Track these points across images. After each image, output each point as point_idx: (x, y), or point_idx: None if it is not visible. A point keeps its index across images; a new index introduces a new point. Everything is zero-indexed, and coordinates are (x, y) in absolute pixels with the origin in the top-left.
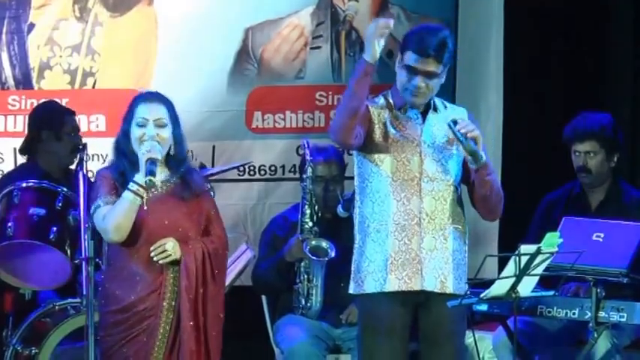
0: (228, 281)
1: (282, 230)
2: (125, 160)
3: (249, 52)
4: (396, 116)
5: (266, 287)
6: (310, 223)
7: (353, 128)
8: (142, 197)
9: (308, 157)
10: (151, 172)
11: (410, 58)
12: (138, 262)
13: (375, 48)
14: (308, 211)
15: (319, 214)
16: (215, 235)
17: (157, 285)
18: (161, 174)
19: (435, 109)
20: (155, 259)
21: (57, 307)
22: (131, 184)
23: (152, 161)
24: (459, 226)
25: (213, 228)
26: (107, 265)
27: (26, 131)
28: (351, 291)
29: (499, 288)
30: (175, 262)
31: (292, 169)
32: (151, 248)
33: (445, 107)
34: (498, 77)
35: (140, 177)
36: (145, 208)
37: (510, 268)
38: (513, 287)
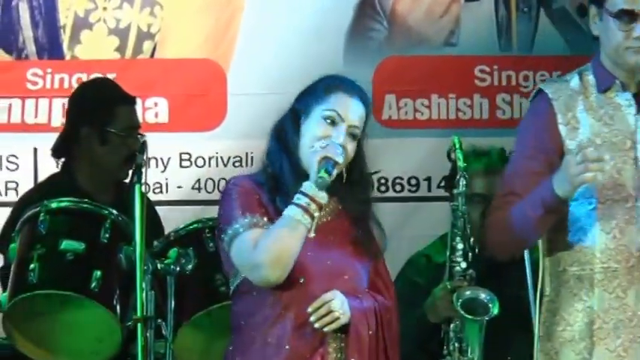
0: None
1: (423, 275)
2: (283, 164)
3: (374, 4)
4: (597, 103)
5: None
6: (463, 264)
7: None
8: (313, 217)
9: (460, 165)
10: (326, 170)
11: (618, 1)
12: (288, 325)
13: (574, 187)
14: (460, 246)
15: (476, 250)
16: (386, 289)
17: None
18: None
19: None
20: (317, 325)
21: None
22: (298, 195)
23: (329, 161)
24: None
25: (381, 278)
26: (233, 327)
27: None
28: None
29: None
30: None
31: (443, 184)
32: (310, 308)
33: None
34: None
35: (312, 186)
36: (313, 234)
37: None
38: None
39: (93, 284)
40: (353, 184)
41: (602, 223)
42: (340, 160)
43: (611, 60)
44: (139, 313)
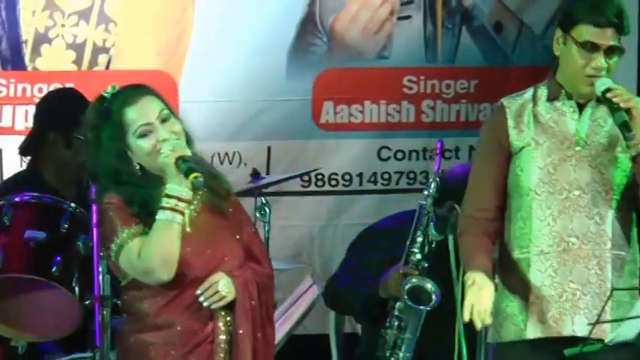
0: (287, 328)
1: (373, 251)
2: (134, 189)
3: (316, 21)
4: (545, 110)
5: (342, 309)
6: (419, 255)
7: None
8: (182, 214)
9: (437, 169)
10: (191, 169)
11: (586, 31)
12: (178, 309)
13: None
14: (419, 239)
15: (432, 246)
16: (262, 257)
17: (207, 334)
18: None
19: (599, 100)
20: (205, 304)
21: None
22: (164, 199)
23: (184, 160)
24: (623, 253)
25: (256, 248)
26: (128, 315)
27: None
28: (489, 340)
29: (629, 331)
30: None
31: (372, 179)
32: (198, 291)
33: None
34: (632, 60)
35: (175, 187)
36: (189, 229)
37: None
38: None
39: (54, 268)
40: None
41: (538, 212)
42: (189, 151)
43: (565, 77)
44: (96, 293)
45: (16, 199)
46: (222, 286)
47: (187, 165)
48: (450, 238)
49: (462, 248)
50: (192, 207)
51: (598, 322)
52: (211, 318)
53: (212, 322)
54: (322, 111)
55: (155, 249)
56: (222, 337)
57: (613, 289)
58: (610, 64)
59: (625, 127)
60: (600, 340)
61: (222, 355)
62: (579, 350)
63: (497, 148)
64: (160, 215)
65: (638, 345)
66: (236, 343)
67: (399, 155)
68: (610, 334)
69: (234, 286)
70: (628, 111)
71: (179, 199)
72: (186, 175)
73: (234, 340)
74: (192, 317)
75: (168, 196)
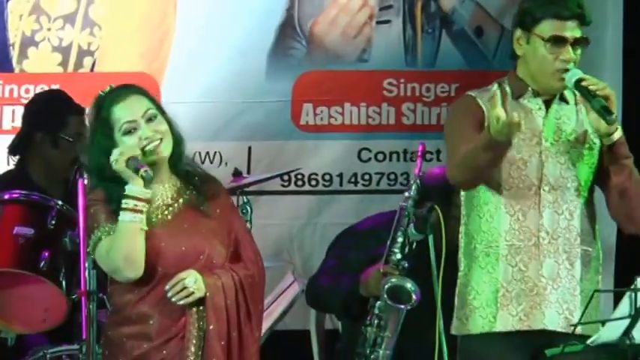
0: (268, 324)
1: (352, 250)
2: (115, 186)
3: (295, 25)
4: (512, 107)
5: (322, 308)
6: (399, 255)
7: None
8: (142, 212)
9: (417, 172)
10: (138, 168)
11: (550, 26)
12: (151, 303)
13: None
14: (400, 239)
15: (412, 247)
16: (248, 259)
17: (179, 329)
18: (169, 188)
19: (563, 99)
20: (173, 299)
21: (49, 356)
22: (124, 200)
23: (133, 158)
24: (590, 249)
25: (244, 250)
26: (111, 308)
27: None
28: (453, 331)
29: (611, 332)
30: (200, 299)
31: (352, 179)
32: (167, 286)
33: (575, 99)
34: (617, 57)
35: (133, 187)
36: (146, 228)
37: (624, 307)
38: (627, 332)
39: (42, 263)
40: (184, 165)
41: (508, 207)
42: (137, 151)
43: (531, 76)
44: (82, 288)
45: (6, 197)
46: (190, 283)
47: (136, 163)
48: (430, 238)
49: (467, 150)
50: (176, 205)
51: (580, 323)
52: (184, 314)
53: (184, 318)
54: (302, 112)
55: (118, 249)
56: (194, 333)
57: (595, 291)
58: (576, 56)
59: (605, 110)
60: (582, 338)
61: (193, 350)
62: (561, 351)
63: (477, 124)
64: (122, 216)
65: (621, 346)
66: (206, 340)
67: (380, 157)
68: (581, 327)
69: (205, 284)
70: (604, 98)
71: (138, 199)
72: (137, 172)
73: (205, 337)
74: (164, 312)
75: (127, 197)
